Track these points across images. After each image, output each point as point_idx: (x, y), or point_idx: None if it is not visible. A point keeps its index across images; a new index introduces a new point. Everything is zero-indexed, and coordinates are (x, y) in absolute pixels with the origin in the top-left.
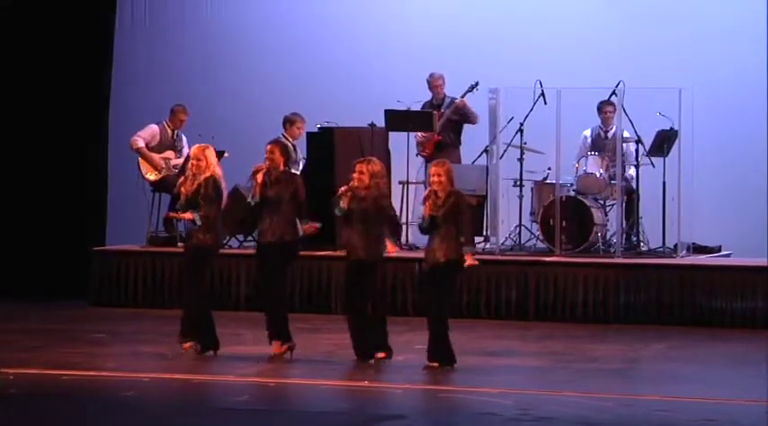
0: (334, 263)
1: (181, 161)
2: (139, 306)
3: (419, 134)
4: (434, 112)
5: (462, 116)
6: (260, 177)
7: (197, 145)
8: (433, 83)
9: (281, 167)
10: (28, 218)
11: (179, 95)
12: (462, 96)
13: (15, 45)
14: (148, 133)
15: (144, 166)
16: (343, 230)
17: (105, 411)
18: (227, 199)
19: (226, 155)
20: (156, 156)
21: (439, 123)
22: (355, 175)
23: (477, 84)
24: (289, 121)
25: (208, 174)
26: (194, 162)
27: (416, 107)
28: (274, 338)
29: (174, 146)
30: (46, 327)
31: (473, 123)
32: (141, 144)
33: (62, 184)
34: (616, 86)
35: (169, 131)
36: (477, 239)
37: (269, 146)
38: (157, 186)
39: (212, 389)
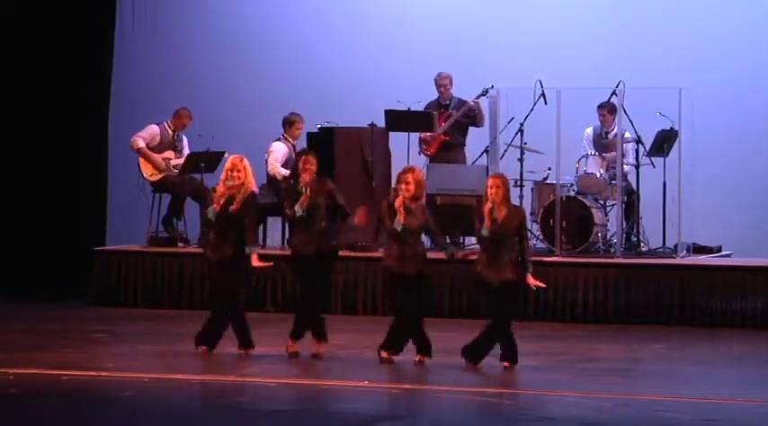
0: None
1: (181, 161)
2: (139, 305)
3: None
4: (435, 113)
5: (470, 118)
6: (308, 189)
7: (235, 155)
8: (440, 82)
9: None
10: (28, 218)
11: (179, 96)
12: (476, 98)
13: (17, 45)
14: (149, 133)
15: (144, 166)
16: (393, 244)
17: (105, 411)
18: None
19: (226, 155)
20: (156, 157)
21: (446, 124)
22: (402, 186)
23: (491, 87)
24: (288, 122)
25: (249, 191)
26: (233, 173)
27: (417, 107)
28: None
29: (175, 147)
30: (46, 327)
31: (479, 126)
32: (142, 144)
33: (62, 184)
34: (616, 86)
35: (170, 132)
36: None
37: (306, 157)
38: (158, 186)
39: (212, 389)
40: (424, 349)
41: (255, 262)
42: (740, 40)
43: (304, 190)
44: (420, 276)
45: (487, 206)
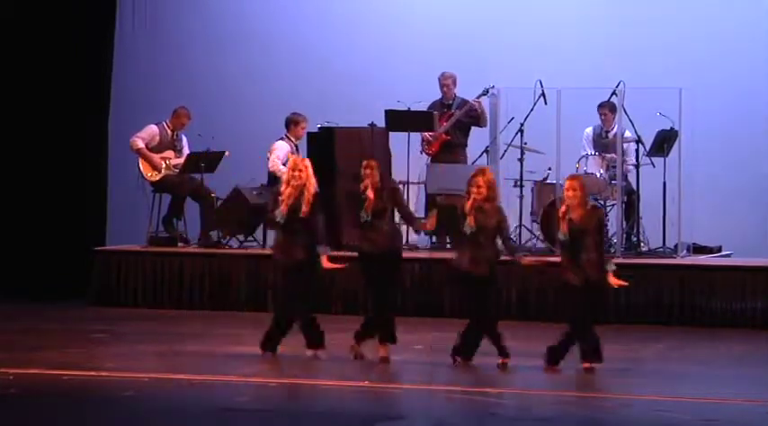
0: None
1: (181, 161)
2: (139, 305)
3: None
4: (435, 112)
5: (473, 118)
6: (371, 193)
7: (296, 156)
8: (443, 82)
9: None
10: (28, 218)
11: (179, 95)
12: (477, 98)
13: (17, 45)
14: (148, 133)
15: (144, 167)
16: (465, 247)
17: (105, 411)
18: (227, 200)
19: (226, 154)
20: (155, 157)
21: (448, 123)
22: (474, 189)
23: (492, 87)
24: (293, 122)
25: (313, 190)
26: (295, 173)
27: (418, 107)
28: (388, 340)
29: (174, 146)
30: (46, 327)
31: (482, 126)
32: (141, 144)
33: (62, 184)
34: (616, 86)
35: (169, 131)
36: None
37: (368, 162)
38: (157, 186)
39: (212, 389)
40: (503, 351)
41: (326, 264)
42: (740, 40)
43: (367, 195)
44: (491, 278)
45: (563, 209)
